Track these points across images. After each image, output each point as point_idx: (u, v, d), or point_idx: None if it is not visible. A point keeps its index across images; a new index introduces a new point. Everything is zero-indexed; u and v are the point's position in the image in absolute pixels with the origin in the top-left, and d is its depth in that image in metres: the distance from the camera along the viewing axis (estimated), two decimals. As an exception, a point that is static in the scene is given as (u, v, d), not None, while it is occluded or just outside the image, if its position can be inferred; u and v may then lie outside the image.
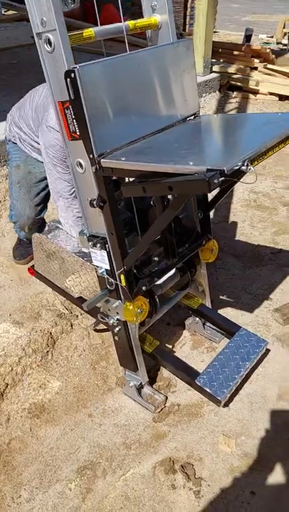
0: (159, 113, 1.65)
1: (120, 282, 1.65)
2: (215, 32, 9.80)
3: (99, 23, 1.57)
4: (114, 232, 1.55)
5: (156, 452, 1.79)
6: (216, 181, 1.11)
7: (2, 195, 3.24)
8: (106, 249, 1.61)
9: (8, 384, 2.02)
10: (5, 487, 1.67)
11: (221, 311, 2.49)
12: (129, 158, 1.36)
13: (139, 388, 1.98)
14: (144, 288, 1.71)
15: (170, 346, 2.28)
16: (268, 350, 2.24)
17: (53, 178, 1.82)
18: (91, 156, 1.42)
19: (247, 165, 1.18)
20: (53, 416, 1.94)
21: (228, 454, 1.78)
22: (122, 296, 1.69)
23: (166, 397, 2.00)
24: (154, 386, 2.05)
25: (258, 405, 1.98)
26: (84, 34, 1.45)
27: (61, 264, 2.23)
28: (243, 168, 1.17)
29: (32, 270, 2.31)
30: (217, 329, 2.25)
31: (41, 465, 1.75)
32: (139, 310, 1.69)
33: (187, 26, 8.25)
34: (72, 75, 1.31)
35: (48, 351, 2.21)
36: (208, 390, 1.78)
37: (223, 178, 1.12)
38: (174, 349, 2.27)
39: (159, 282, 1.93)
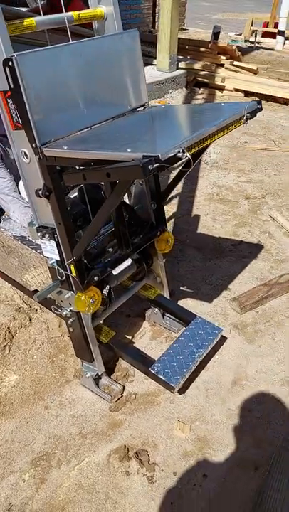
0: (105, 103, 1.66)
1: (71, 273, 1.65)
2: (184, 29, 9.88)
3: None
4: (62, 222, 1.55)
5: (112, 440, 1.81)
6: (150, 167, 1.13)
7: None
8: (55, 240, 1.62)
9: None
10: None
11: (180, 302, 2.53)
12: (72, 147, 1.37)
13: (97, 379, 1.99)
14: (96, 278, 1.72)
15: (130, 337, 2.30)
16: (224, 338, 2.28)
17: None
18: (34, 145, 1.42)
19: (183, 152, 1.20)
20: (8, 409, 1.93)
21: (183, 440, 1.81)
22: (73, 287, 1.70)
23: (124, 387, 2.01)
24: (112, 376, 2.06)
25: (213, 391, 2.02)
26: (24, 23, 1.45)
27: (20, 259, 2.22)
28: (179, 155, 1.20)
29: (-12, 265, 2.29)
30: (176, 319, 2.28)
31: (-5, 458, 1.74)
32: (91, 300, 1.70)
33: (156, 24, 8.27)
34: (10, 63, 1.31)
35: (5, 345, 2.20)
36: (162, 377, 1.81)
37: (157, 165, 1.14)
38: (133, 340, 2.29)
39: (114, 273, 1.94)
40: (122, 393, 1.99)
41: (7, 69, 1.33)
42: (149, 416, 1.91)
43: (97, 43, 1.61)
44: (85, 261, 1.68)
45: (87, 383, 1.99)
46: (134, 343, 2.26)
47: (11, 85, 1.35)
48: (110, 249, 1.90)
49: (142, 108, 1.81)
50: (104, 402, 1.95)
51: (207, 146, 1.41)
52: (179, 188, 3.78)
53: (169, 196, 3.64)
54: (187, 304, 2.53)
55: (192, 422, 1.88)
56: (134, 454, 1.75)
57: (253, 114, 1.52)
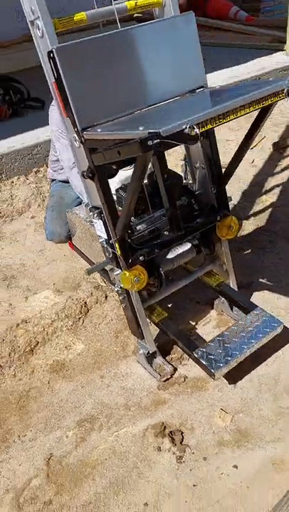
0: (159, 86, 1.70)
1: (116, 251, 1.75)
2: None
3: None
4: (105, 202, 1.66)
5: (152, 416, 1.87)
6: (149, 143, 1.16)
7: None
8: (102, 220, 1.73)
9: (38, 342, 2.27)
10: (16, 426, 1.91)
11: (257, 294, 2.43)
12: (103, 130, 1.46)
13: (150, 357, 2.06)
14: (141, 258, 1.79)
15: (193, 323, 2.31)
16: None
17: (61, 152, 2.00)
18: (76, 129, 1.55)
19: (192, 127, 1.19)
20: (70, 373, 2.13)
21: (221, 428, 1.78)
22: (120, 265, 1.80)
23: (175, 369, 2.05)
24: (167, 358, 2.11)
25: (267, 387, 1.92)
26: (75, 18, 1.58)
27: (92, 240, 2.41)
28: (187, 130, 1.19)
29: (72, 244, 2.53)
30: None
31: (49, 413, 1.95)
32: (135, 279, 1.78)
33: (260, 13, 7.70)
34: (52, 55, 1.45)
35: (80, 318, 2.41)
36: (203, 362, 1.80)
37: (157, 141, 1.16)
38: (196, 326, 2.29)
39: (169, 256, 1.98)
40: (173, 374, 2.02)
41: (50, 60, 1.48)
42: (194, 400, 1.91)
43: (149, 28, 1.66)
44: (129, 240, 1.75)
45: (140, 360, 2.08)
46: (196, 329, 2.27)
47: (55, 75, 1.50)
48: (166, 233, 1.94)
49: (202, 89, 1.81)
50: (154, 379, 2.02)
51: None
52: (284, 176, 3.57)
53: (271, 185, 3.48)
54: (264, 296, 2.42)
55: (236, 413, 1.83)
56: (168, 433, 1.78)
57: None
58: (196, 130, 1.20)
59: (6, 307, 2.43)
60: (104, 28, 1.75)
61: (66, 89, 1.49)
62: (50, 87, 1.62)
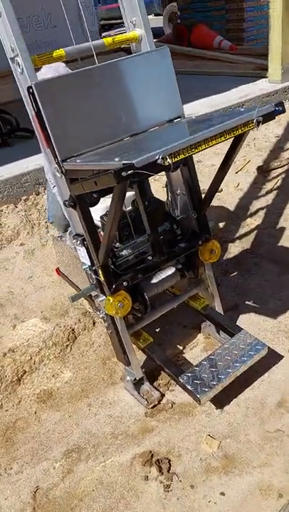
0: (136, 118, 1.75)
1: (99, 277, 1.77)
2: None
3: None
4: (87, 230, 1.69)
5: (140, 445, 1.84)
6: (123, 174, 1.19)
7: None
8: (85, 246, 1.76)
9: (25, 371, 2.26)
10: (2, 459, 1.88)
11: (243, 316, 2.44)
12: (82, 161, 1.50)
13: (138, 384, 2.05)
14: (125, 283, 1.80)
15: (180, 347, 2.31)
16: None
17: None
18: (56, 160, 1.59)
19: (165, 158, 1.23)
20: (57, 402, 2.11)
21: (208, 455, 1.76)
22: (104, 291, 1.81)
23: (163, 395, 2.03)
24: (154, 383, 2.10)
25: (253, 411, 1.91)
26: (54, 54, 1.64)
27: (78, 267, 2.42)
28: (160, 161, 1.23)
29: (58, 271, 2.55)
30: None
31: (36, 444, 1.92)
32: (119, 304, 1.79)
33: (244, 42, 8.03)
34: (31, 90, 1.50)
35: (67, 345, 2.40)
36: (189, 387, 1.79)
37: (131, 171, 1.20)
38: (183, 350, 2.29)
39: (153, 281, 2.00)
40: (160, 401, 2.01)
41: (30, 95, 1.53)
42: (181, 426, 1.89)
43: (126, 62, 1.72)
44: (112, 266, 1.77)
45: (128, 386, 2.06)
46: (183, 353, 2.26)
47: (35, 109, 1.55)
48: (149, 258, 1.96)
49: (179, 119, 1.86)
50: (141, 406, 2.00)
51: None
52: (269, 199, 3.63)
53: (256, 208, 3.54)
54: (250, 318, 2.43)
55: (223, 438, 1.81)
56: (155, 461, 1.76)
57: (268, 117, 1.45)
58: (169, 160, 1.24)
59: (-7, 336, 2.42)
60: (88, 61, 1.81)
61: (46, 122, 1.54)
62: (32, 120, 1.66)
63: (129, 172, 1.19)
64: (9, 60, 1.60)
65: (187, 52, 7.05)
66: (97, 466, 1.79)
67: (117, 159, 1.28)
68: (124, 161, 1.22)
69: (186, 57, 6.98)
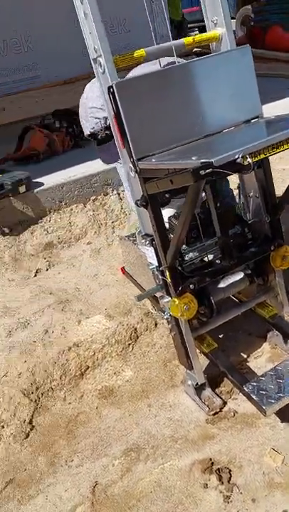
0: (215, 117, 1.72)
1: (166, 278, 1.76)
2: None
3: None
4: (157, 230, 1.68)
5: (199, 451, 1.81)
6: (201, 172, 1.17)
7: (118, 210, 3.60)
8: (153, 247, 1.76)
9: (88, 366, 2.30)
10: (63, 450, 1.93)
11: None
12: (157, 160, 1.50)
13: (199, 389, 2.01)
14: (191, 286, 1.78)
15: (245, 356, 2.24)
16: None
17: None
18: (131, 159, 1.61)
19: (245, 157, 1.20)
20: (118, 400, 2.12)
21: (271, 469, 1.69)
22: (170, 292, 1.80)
23: (225, 403, 1.98)
24: (216, 390, 2.05)
25: None
26: (134, 55, 1.66)
27: (144, 267, 2.43)
28: (239, 160, 1.20)
29: (124, 270, 2.57)
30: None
31: (96, 439, 1.95)
32: (185, 307, 1.77)
33: None
34: (111, 90, 1.53)
35: (129, 344, 2.42)
36: (254, 397, 1.73)
37: (209, 170, 1.17)
38: (248, 359, 2.22)
39: (221, 286, 1.96)
40: (222, 408, 1.96)
41: (110, 95, 1.55)
42: (243, 437, 1.83)
43: (206, 62, 1.70)
44: (180, 268, 1.76)
45: (188, 391, 2.03)
46: (247, 362, 2.19)
47: (114, 109, 1.57)
48: (218, 261, 1.92)
49: (256, 120, 1.81)
50: (202, 412, 1.96)
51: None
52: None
53: None
54: None
55: (288, 453, 1.73)
56: (216, 469, 1.71)
57: None
58: (249, 160, 1.20)
59: (60, 330, 2.49)
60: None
61: (124, 122, 1.55)
62: (110, 120, 1.69)
63: (207, 171, 1.17)
64: (91, 61, 1.64)
65: (260, 54, 6.90)
66: (156, 468, 1.78)
67: (194, 158, 1.27)
68: (202, 160, 1.20)
69: (260, 59, 6.82)
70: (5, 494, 1.78)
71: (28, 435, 2.00)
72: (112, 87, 1.54)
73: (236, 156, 1.20)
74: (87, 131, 2.18)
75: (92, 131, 2.15)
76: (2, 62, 6.10)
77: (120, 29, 6.54)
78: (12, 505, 1.73)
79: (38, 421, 2.06)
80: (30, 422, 2.05)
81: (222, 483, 1.67)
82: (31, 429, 2.02)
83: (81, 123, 2.21)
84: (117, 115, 1.57)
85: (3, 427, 2.02)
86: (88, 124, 2.17)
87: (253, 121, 1.79)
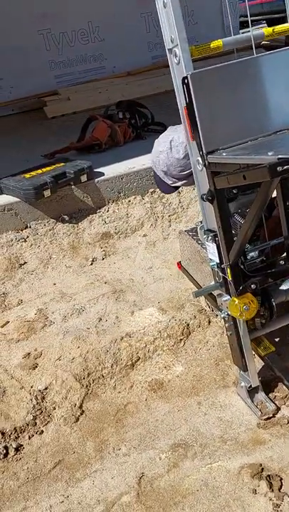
0: (282, 113, 1.65)
1: (227, 276, 1.72)
2: None
3: None
4: (221, 226, 1.64)
5: (249, 455, 1.77)
6: (279, 169, 1.13)
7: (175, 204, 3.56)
8: (216, 243, 1.72)
9: (139, 357, 2.31)
10: (112, 438, 1.95)
11: None
12: (228, 154, 1.45)
13: (252, 392, 1.96)
14: (253, 286, 1.73)
15: (302, 361, 2.15)
16: None
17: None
18: (201, 153, 1.57)
19: None
20: (167, 394, 2.12)
21: None
22: (230, 291, 1.76)
23: (279, 408, 1.92)
24: (270, 395, 1.99)
25: None
26: (211, 45, 1.61)
27: (201, 262, 2.40)
28: None
29: (180, 265, 2.55)
30: None
31: (144, 431, 1.95)
32: (245, 307, 1.72)
33: None
34: (186, 81, 1.50)
35: (181, 339, 2.40)
36: (312, 406, 1.66)
37: (287, 166, 1.12)
38: (305, 365, 2.13)
39: (283, 288, 1.89)
40: (275, 414, 1.90)
41: (184, 85, 1.52)
42: (297, 445, 1.77)
43: (282, 54, 1.63)
44: (242, 267, 1.71)
45: (241, 393, 1.99)
46: (305, 368, 2.11)
47: (187, 100, 1.54)
48: (282, 262, 1.86)
49: None
50: (253, 416, 1.91)
51: None
52: None
53: None
54: None
55: None
56: (266, 476, 1.66)
57: None
58: None
59: (113, 319, 2.52)
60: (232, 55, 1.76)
61: (196, 114, 1.52)
62: (180, 112, 1.66)
63: (285, 167, 1.12)
64: (166, 51, 1.61)
65: None
66: (203, 467, 1.76)
67: (270, 153, 1.21)
68: (280, 156, 1.15)
69: None
70: (54, 473, 1.83)
71: (78, 419, 2.04)
72: (186, 77, 1.50)
73: None
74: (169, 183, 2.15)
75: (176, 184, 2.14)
76: (70, 52, 6.21)
77: (188, 20, 6.45)
78: (60, 486, 1.78)
79: (88, 406, 2.09)
80: (81, 407, 2.09)
81: (272, 490, 1.62)
82: (81, 414, 2.06)
83: (159, 176, 2.16)
84: (190, 107, 1.54)
85: (54, 408, 2.08)
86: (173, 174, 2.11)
87: None
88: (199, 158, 1.64)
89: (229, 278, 1.71)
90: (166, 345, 2.36)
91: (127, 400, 2.12)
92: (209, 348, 2.33)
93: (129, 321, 2.52)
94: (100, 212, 3.45)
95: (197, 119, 1.53)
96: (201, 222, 1.83)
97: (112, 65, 6.40)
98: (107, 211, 3.48)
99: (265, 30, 1.69)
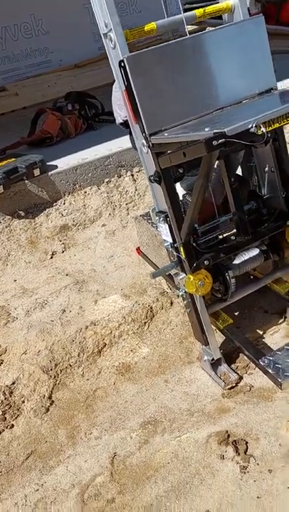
0: (227, 90, 1.71)
1: (181, 255, 1.77)
2: None
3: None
4: (171, 206, 1.69)
5: (216, 424, 1.83)
6: (214, 143, 1.17)
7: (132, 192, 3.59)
8: (168, 223, 1.76)
9: (106, 344, 2.33)
10: (82, 424, 1.97)
11: None
12: (170, 134, 1.49)
13: (215, 364, 2.03)
14: (206, 262, 1.79)
15: (261, 332, 2.24)
16: None
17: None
18: (144, 135, 1.60)
19: (258, 126, 1.19)
20: (135, 376, 2.16)
21: (288, 441, 1.70)
22: (184, 269, 1.81)
23: (241, 377, 2.00)
24: (232, 366, 2.07)
25: None
26: (145, 28, 1.64)
27: (159, 246, 2.45)
28: (252, 130, 1.19)
29: (139, 251, 2.59)
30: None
31: (114, 413, 1.99)
32: (200, 283, 1.78)
33: None
34: (122, 64, 1.52)
35: (145, 322, 2.44)
36: (270, 371, 1.75)
37: (222, 140, 1.17)
38: (263, 335, 2.22)
39: (236, 262, 1.96)
40: (238, 383, 1.98)
41: (121, 69, 1.55)
42: (259, 410, 1.85)
43: (219, 33, 1.68)
44: (194, 244, 1.76)
45: (205, 366, 2.06)
46: (263, 338, 2.20)
47: (125, 83, 1.57)
48: (233, 237, 1.92)
49: (270, 92, 1.78)
50: (218, 387, 1.99)
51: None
52: None
53: None
54: None
55: (305, 426, 1.74)
56: (232, 441, 1.74)
57: None
58: (263, 129, 1.19)
59: (77, 310, 2.53)
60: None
61: (135, 96, 1.55)
62: (121, 95, 1.69)
63: (220, 141, 1.17)
64: (102, 36, 1.63)
65: (273, 30, 6.72)
66: (173, 440, 1.81)
67: (207, 129, 1.26)
68: (215, 130, 1.19)
69: (275, 36, 6.66)
70: (27, 464, 1.84)
71: (48, 410, 2.05)
72: (122, 61, 1.53)
73: (250, 126, 1.19)
74: (119, 119, 2.13)
75: (125, 119, 2.12)
76: (14, 46, 6.08)
77: (131, 9, 6.44)
78: (34, 475, 1.79)
79: (57, 396, 2.11)
80: (50, 397, 2.10)
81: (238, 454, 1.69)
82: (51, 404, 2.08)
83: (113, 110, 2.16)
84: (129, 90, 1.57)
85: (23, 401, 2.08)
86: (122, 112, 2.12)
87: (268, 91, 1.76)
88: (144, 141, 1.68)
89: (183, 256, 1.76)
90: (131, 329, 2.40)
91: (96, 386, 2.14)
92: (173, 328, 2.38)
93: (93, 309, 2.54)
94: (56, 205, 3.43)
95: (137, 101, 1.56)
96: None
97: (59, 58, 6.31)
98: (64, 204, 3.46)
99: (197, 11, 1.73)
